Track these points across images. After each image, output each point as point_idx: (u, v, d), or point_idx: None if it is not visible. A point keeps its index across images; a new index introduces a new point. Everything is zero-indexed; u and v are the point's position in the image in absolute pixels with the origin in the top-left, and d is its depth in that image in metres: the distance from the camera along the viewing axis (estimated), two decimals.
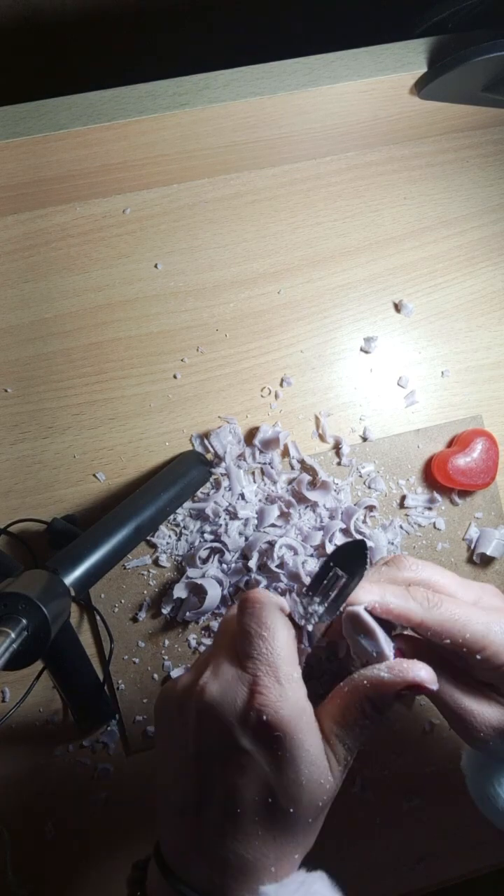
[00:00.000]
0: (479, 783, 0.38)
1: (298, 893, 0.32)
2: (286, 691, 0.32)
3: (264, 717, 0.32)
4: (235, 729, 0.32)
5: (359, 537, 0.55)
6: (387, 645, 0.35)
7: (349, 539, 0.55)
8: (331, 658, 0.53)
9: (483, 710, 0.35)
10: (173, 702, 0.36)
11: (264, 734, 0.32)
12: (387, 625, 0.36)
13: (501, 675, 0.35)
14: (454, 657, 0.37)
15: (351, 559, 0.36)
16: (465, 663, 0.36)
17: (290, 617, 0.36)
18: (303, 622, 0.36)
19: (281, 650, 0.34)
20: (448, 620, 0.34)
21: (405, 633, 0.38)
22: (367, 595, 0.35)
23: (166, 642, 0.55)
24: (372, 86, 0.48)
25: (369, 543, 0.44)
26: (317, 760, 0.32)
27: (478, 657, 0.34)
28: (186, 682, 0.36)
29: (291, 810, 0.32)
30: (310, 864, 0.34)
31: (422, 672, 0.33)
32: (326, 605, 0.36)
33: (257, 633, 0.34)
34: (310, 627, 0.36)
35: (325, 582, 0.36)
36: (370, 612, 0.35)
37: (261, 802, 0.32)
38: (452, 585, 0.38)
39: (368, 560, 0.36)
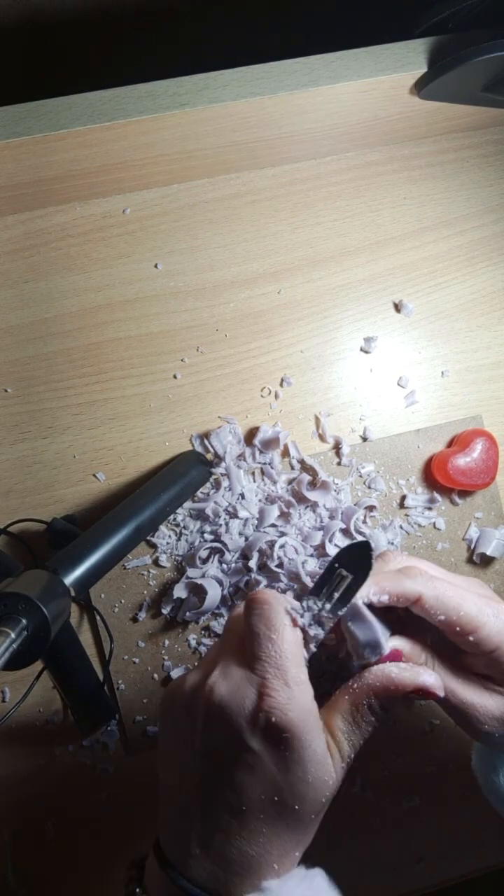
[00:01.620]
0: (488, 777, 0.38)
1: (300, 888, 0.33)
2: (294, 693, 0.33)
3: (273, 719, 0.32)
4: (244, 730, 0.33)
5: (361, 538, 0.55)
6: (384, 637, 0.36)
7: (351, 540, 0.55)
8: (331, 658, 0.53)
9: (485, 703, 0.36)
10: (180, 701, 0.36)
11: (273, 735, 0.32)
12: (384, 621, 0.37)
13: (494, 661, 0.35)
14: (450, 649, 0.37)
15: (356, 560, 0.36)
16: (462, 653, 0.37)
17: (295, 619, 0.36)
18: (307, 623, 0.36)
19: (289, 652, 0.34)
20: (443, 595, 0.35)
21: (397, 641, 0.38)
22: (363, 588, 0.36)
23: (166, 642, 0.55)
24: (372, 86, 0.48)
25: (373, 544, 0.44)
26: (322, 759, 0.33)
27: (471, 638, 0.35)
28: (194, 681, 0.36)
29: (297, 807, 0.32)
30: (309, 862, 0.35)
31: (429, 678, 0.34)
32: (331, 605, 0.36)
33: (266, 635, 0.34)
34: (314, 631, 0.36)
35: (329, 583, 0.36)
36: (368, 607, 0.36)
37: (266, 801, 0.32)
38: (440, 572, 0.39)
39: (373, 561, 0.36)
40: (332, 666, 0.53)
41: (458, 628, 0.35)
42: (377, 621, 0.36)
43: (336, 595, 0.36)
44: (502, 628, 0.35)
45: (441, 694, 0.35)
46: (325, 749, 0.33)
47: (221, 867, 0.33)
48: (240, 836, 0.33)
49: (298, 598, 0.37)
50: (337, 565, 0.36)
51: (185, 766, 0.35)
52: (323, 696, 0.36)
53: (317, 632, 0.36)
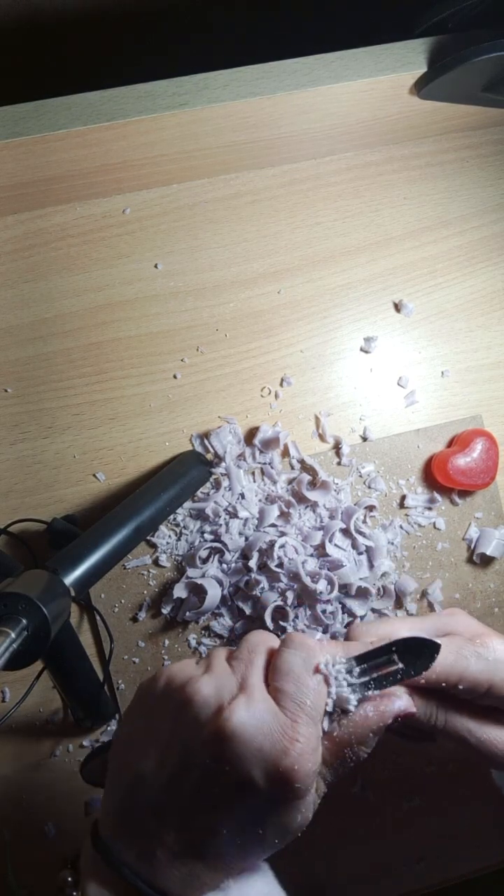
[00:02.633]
0: None
1: (259, 884, 0.33)
2: (317, 745, 0.32)
3: (296, 767, 0.31)
4: (258, 766, 0.31)
5: (361, 538, 0.54)
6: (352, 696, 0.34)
7: (351, 540, 0.54)
8: None
9: (501, 736, 0.36)
10: (173, 698, 0.34)
11: (286, 780, 0.31)
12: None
13: (493, 697, 0.35)
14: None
15: (415, 655, 0.34)
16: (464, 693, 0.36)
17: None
18: (337, 687, 0.34)
19: (318, 705, 0.33)
20: (430, 673, 0.34)
21: (405, 699, 0.36)
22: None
23: (166, 642, 0.55)
24: (372, 86, 0.48)
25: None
26: (312, 803, 0.33)
27: (460, 687, 0.35)
28: (209, 690, 0.33)
29: (276, 841, 0.32)
30: (308, 863, 0.34)
31: (401, 702, 0.34)
32: (365, 682, 0.34)
33: (304, 679, 0.33)
34: (340, 698, 0.34)
35: (377, 661, 0.34)
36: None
37: (249, 830, 0.32)
38: (409, 625, 0.38)
39: (433, 663, 0.34)
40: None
41: (443, 684, 0.35)
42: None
43: (375, 675, 0.34)
44: (485, 667, 0.35)
45: (414, 710, 0.34)
46: (315, 796, 0.33)
47: (184, 876, 0.32)
48: (210, 854, 0.32)
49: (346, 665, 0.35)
50: (394, 648, 0.34)
51: (166, 766, 0.33)
52: None
53: (341, 700, 0.34)
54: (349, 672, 0.34)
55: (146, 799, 0.33)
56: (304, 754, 0.31)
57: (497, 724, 0.36)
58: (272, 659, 0.35)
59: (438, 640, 0.35)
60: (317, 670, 0.34)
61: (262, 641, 0.36)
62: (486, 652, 0.35)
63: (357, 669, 0.34)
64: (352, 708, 0.33)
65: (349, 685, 0.34)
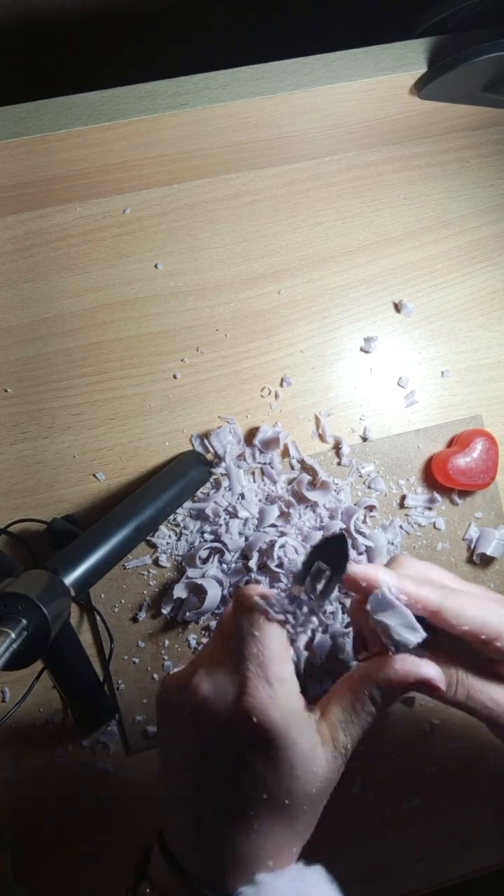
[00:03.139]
0: None
1: (294, 882, 0.32)
2: (276, 692, 0.33)
3: (254, 720, 0.32)
4: (227, 730, 0.33)
5: (361, 538, 0.54)
6: (418, 625, 0.35)
7: (350, 540, 0.55)
8: (331, 657, 0.53)
9: None
10: (169, 697, 0.36)
11: (255, 735, 0.32)
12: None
13: None
14: (481, 660, 0.36)
15: (333, 553, 0.36)
16: (493, 662, 0.36)
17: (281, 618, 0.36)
18: (292, 619, 0.35)
19: (272, 649, 0.34)
20: (463, 606, 0.35)
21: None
22: (385, 576, 0.35)
23: (166, 642, 0.55)
24: (372, 86, 0.48)
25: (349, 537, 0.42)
26: (310, 753, 0.33)
27: (498, 644, 0.35)
28: (182, 679, 0.36)
29: (287, 802, 0.32)
30: (308, 860, 0.35)
31: (431, 671, 0.34)
32: (314, 600, 0.36)
33: (249, 632, 0.34)
34: (300, 627, 0.36)
35: (309, 577, 0.36)
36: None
37: (256, 797, 0.32)
38: (454, 583, 0.38)
39: (350, 552, 0.36)
40: (331, 665, 0.53)
41: (482, 636, 0.35)
42: (406, 608, 0.35)
43: (319, 588, 0.36)
44: None
45: (443, 687, 0.34)
46: (312, 743, 0.33)
47: (216, 861, 0.33)
48: (232, 832, 0.33)
49: (288, 595, 0.37)
50: (315, 559, 0.36)
51: (178, 761, 0.35)
52: (321, 696, 0.36)
53: (301, 627, 0.35)
54: (293, 600, 0.36)
55: (176, 797, 0.35)
56: (262, 703, 0.32)
57: None
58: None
59: (479, 594, 0.37)
60: (264, 617, 0.35)
61: (224, 616, 0.38)
62: None
63: (303, 596, 0.36)
64: (323, 619, 0.35)
65: (306, 607, 0.35)
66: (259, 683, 0.33)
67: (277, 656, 0.34)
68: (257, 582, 0.53)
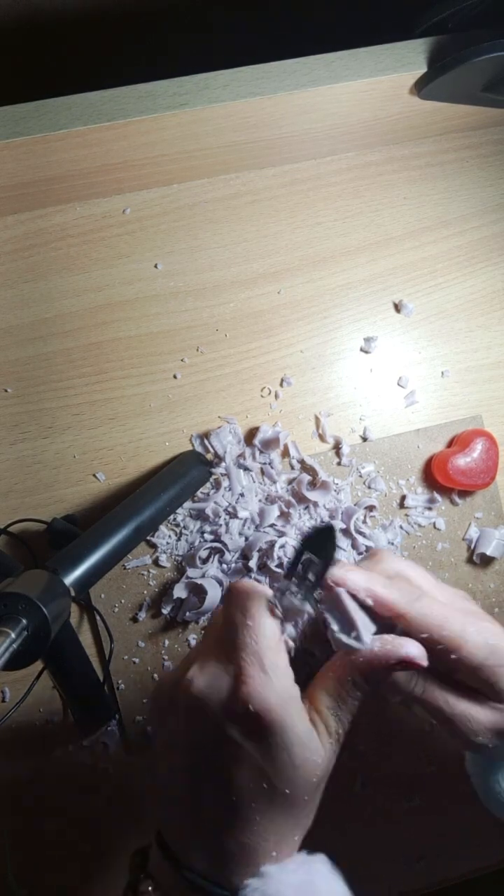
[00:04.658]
0: (484, 783, 0.38)
1: (299, 872, 0.33)
2: (271, 679, 0.33)
3: (251, 707, 0.32)
4: (223, 720, 0.33)
5: (361, 538, 0.54)
6: (365, 630, 0.35)
7: (350, 540, 0.55)
8: (325, 644, 0.53)
9: (476, 714, 0.36)
10: (164, 696, 0.37)
11: (252, 724, 0.32)
12: (370, 615, 0.36)
13: (479, 678, 0.35)
14: (437, 661, 0.37)
15: (322, 544, 0.36)
16: (446, 666, 0.36)
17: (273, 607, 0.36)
18: (283, 609, 0.36)
19: (265, 639, 0.34)
20: (428, 615, 0.35)
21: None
22: (354, 577, 0.36)
23: (166, 642, 0.55)
24: (372, 86, 0.48)
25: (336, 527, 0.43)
26: (307, 741, 0.33)
27: (453, 656, 0.35)
28: (175, 676, 0.36)
29: (287, 791, 0.32)
30: (310, 850, 0.35)
31: (413, 648, 0.34)
32: (305, 590, 0.36)
33: (242, 623, 0.34)
34: (291, 617, 0.36)
35: (299, 568, 0.36)
36: (354, 598, 0.35)
37: (255, 788, 0.32)
38: (427, 585, 0.38)
39: (338, 543, 0.36)
40: (318, 649, 0.53)
41: (440, 646, 0.35)
42: (361, 613, 0.35)
43: (309, 578, 0.36)
44: (483, 646, 0.35)
45: (425, 663, 0.34)
46: (308, 730, 0.33)
47: (219, 856, 0.33)
48: (233, 826, 0.33)
49: (280, 586, 0.37)
50: (304, 550, 0.36)
51: (175, 759, 0.35)
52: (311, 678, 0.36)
53: (293, 617, 0.36)
54: (285, 591, 0.36)
55: (174, 794, 0.35)
56: (258, 691, 0.32)
57: (474, 702, 0.36)
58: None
59: (448, 599, 0.37)
60: (257, 606, 0.35)
61: (216, 613, 0.39)
62: (488, 634, 0.35)
63: (293, 587, 0.36)
64: (310, 609, 0.35)
65: (298, 598, 0.36)
66: (255, 672, 0.33)
67: (271, 645, 0.34)
68: (257, 581, 0.53)
